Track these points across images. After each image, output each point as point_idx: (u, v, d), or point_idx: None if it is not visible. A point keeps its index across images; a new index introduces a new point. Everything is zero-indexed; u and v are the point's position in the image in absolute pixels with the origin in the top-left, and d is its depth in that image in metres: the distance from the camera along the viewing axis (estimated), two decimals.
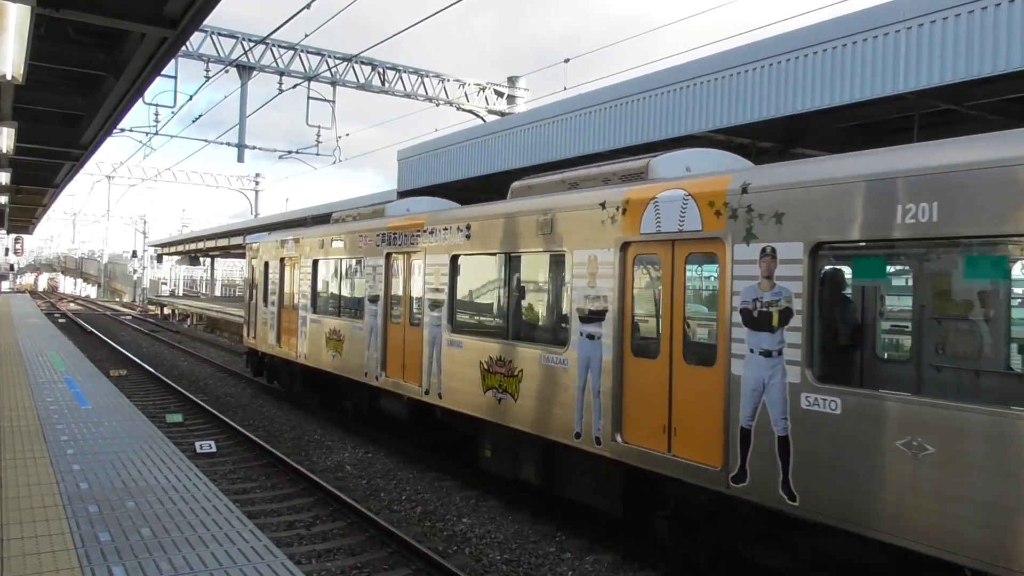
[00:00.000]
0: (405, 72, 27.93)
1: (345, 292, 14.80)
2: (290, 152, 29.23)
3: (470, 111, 30.39)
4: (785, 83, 11.01)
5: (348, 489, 11.00)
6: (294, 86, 24.69)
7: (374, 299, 12.94)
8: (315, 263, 15.27)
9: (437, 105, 28.95)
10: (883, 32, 9.83)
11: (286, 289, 16.62)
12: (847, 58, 10.21)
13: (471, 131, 20.52)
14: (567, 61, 25.07)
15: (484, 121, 28.77)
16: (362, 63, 26.79)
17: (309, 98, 24.91)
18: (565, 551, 8.74)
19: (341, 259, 14.47)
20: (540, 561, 8.45)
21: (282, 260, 16.72)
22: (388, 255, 12.58)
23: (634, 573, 8.13)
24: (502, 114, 30.00)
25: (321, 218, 25.83)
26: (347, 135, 29.39)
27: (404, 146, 23.04)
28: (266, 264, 17.41)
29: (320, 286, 15.47)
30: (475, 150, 19.22)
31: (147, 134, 25.50)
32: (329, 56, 26.06)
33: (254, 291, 18.14)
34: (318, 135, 26.59)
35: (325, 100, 25.54)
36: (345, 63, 26.19)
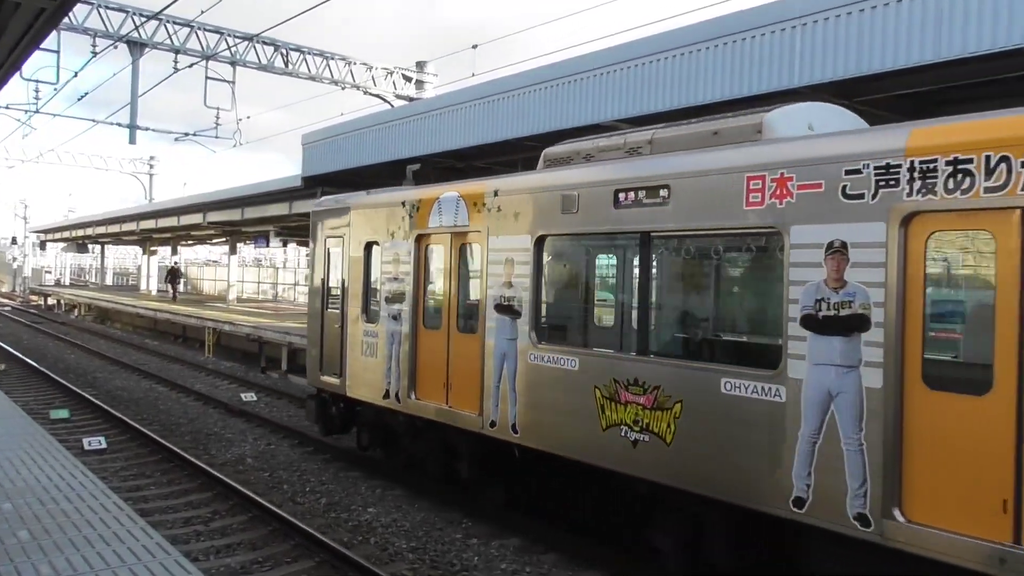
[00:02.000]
0: (310, 54, 27.08)
1: (677, 306, 7.57)
2: (187, 134, 27.96)
3: (377, 95, 29.80)
4: (691, 74, 11.23)
5: (249, 482, 10.66)
6: (191, 65, 23.55)
7: (847, 327, 5.48)
8: (540, 243, 7.87)
9: (343, 89, 28.23)
10: (780, 28, 10.15)
11: (435, 291, 9.55)
12: (747, 52, 10.50)
13: (378, 116, 20.05)
14: (475, 47, 25.08)
15: (392, 106, 28.34)
16: (264, 43, 25.79)
17: (207, 78, 23.83)
18: (471, 537, 8.77)
19: (663, 236, 6.97)
20: (447, 548, 8.44)
21: (421, 239, 9.53)
22: (909, 218, 5.21)
23: (539, 556, 8.23)
24: (410, 99, 29.63)
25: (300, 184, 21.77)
26: (248, 117, 28.44)
27: (309, 130, 22.42)
28: (367, 247, 10.41)
29: (566, 291, 8.68)
30: (383, 135, 18.73)
31: (27, 112, 23.87)
32: (229, 35, 24.97)
33: (333, 293, 11.18)
34: (217, 117, 25.51)
35: (224, 81, 24.48)
36: (246, 42, 25.17)
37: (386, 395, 9.97)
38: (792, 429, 5.68)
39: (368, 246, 10.51)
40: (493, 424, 8.35)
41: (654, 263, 7.12)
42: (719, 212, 6.25)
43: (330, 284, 11.41)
